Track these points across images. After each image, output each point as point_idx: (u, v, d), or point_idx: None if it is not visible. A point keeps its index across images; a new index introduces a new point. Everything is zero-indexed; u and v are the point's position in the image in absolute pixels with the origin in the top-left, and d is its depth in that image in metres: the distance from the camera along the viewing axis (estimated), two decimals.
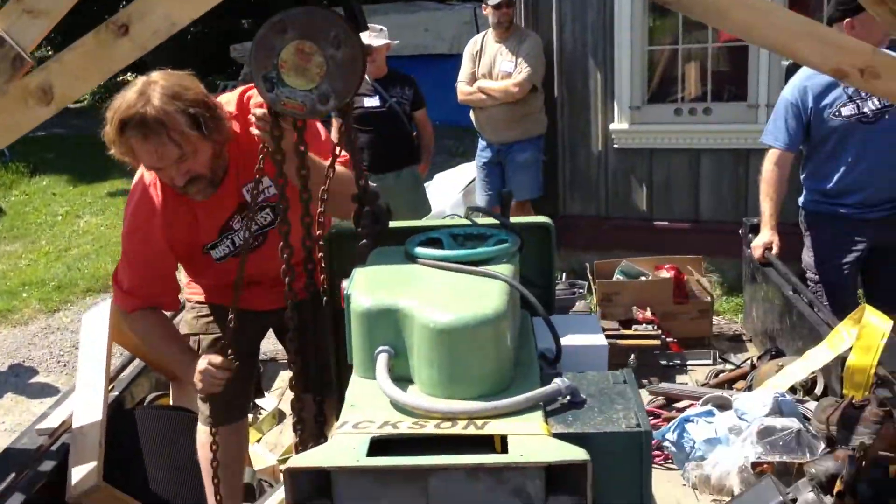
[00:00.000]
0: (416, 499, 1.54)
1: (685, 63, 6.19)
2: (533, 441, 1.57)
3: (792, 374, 3.31)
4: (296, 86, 2.06)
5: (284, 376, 4.51)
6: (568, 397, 1.75)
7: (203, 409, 2.88)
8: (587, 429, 1.66)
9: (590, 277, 4.94)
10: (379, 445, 1.56)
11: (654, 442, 3.64)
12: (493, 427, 1.61)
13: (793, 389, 3.46)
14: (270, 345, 4.54)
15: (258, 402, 4.12)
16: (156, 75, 2.50)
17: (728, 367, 4.22)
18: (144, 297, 2.75)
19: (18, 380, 5.88)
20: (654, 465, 3.55)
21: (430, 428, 1.61)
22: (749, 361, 4.08)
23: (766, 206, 4.13)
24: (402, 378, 1.75)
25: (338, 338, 2.25)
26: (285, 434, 3.90)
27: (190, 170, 2.50)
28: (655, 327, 4.36)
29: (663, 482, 3.45)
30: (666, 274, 4.68)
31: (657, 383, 3.99)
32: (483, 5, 6.25)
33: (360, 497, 1.54)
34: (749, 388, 3.75)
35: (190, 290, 3.01)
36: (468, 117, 6.40)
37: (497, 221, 2.21)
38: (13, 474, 2.66)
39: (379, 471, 1.52)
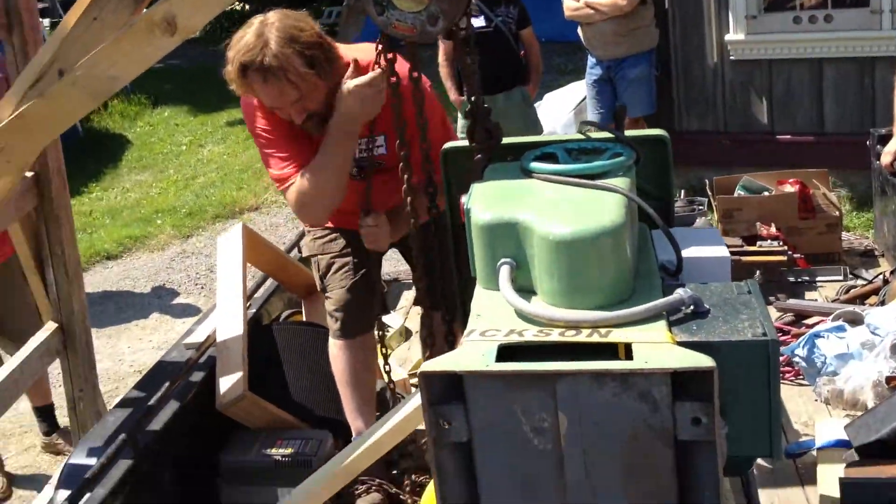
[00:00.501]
0: (544, 402, 1.59)
1: None
2: (657, 348, 1.60)
3: None
4: (405, 8, 2.09)
5: (408, 295, 4.66)
6: (691, 307, 1.76)
7: (332, 324, 3.04)
8: (711, 338, 1.67)
9: (709, 194, 4.89)
10: (507, 352, 1.61)
11: (783, 357, 3.65)
12: (617, 335, 1.65)
13: None
14: (393, 266, 4.71)
15: (385, 319, 4.28)
16: (272, 16, 2.61)
17: (859, 282, 4.15)
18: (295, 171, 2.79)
19: (161, 301, 6.26)
20: (784, 381, 3.57)
21: (554, 336, 1.66)
22: (881, 276, 4.00)
23: None
24: (524, 289, 1.79)
25: (459, 255, 2.33)
26: (413, 350, 4.05)
27: (307, 108, 2.63)
28: (781, 243, 4.30)
29: (794, 397, 3.46)
30: (790, 188, 4.60)
31: (785, 300, 3.95)
32: None
33: (491, 400, 1.60)
34: (882, 303, 3.69)
35: None
36: (576, 33, 6.31)
37: (611, 136, 2.22)
38: (167, 383, 2.89)
39: (508, 375, 1.58)
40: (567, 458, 1.64)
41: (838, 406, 3.23)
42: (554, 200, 1.90)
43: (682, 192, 5.51)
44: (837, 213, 4.54)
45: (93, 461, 2.57)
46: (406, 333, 4.31)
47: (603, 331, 1.67)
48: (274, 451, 2.97)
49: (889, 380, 3.03)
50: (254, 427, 3.09)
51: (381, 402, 3.26)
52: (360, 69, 2.58)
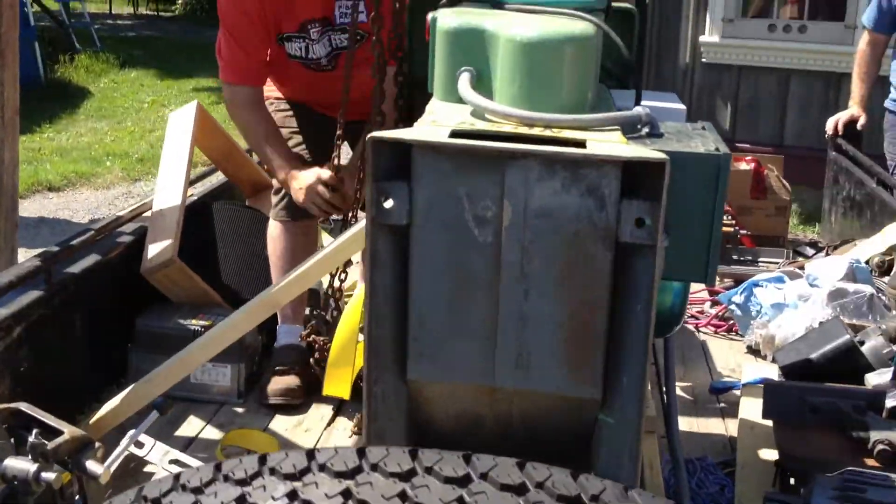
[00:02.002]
0: (490, 188, 1.54)
1: None
2: (611, 144, 1.57)
3: (870, 245, 3.25)
4: None
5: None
6: (647, 128, 1.75)
7: (277, 202, 2.93)
8: (665, 148, 1.64)
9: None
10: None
11: (719, 308, 3.62)
12: (570, 134, 1.62)
13: (867, 263, 3.39)
14: None
15: None
16: None
17: (800, 259, 4.15)
18: (243, 71, 2.79)
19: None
20: (716, 335, 3.56)
21: (507, 129, 1.62)
22: (824, 250, 4.01)
23: (855, 85, 4.18)
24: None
25: None
26: (351, 274, 3.94)
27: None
28: (730, 218, 4.30)
29: (724, 349, 3.43)
30: (745, 166, 4.60)
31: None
32: None
33: (437, 179, 1.54)
34: None
35: (268, 89, 3.02)
36: None
37: None
38: (91, 233, 2.75)
39: (459, 151, 1.52)
40: (505, 252, 1.57)
41: (768, 351, 3.19)
42: (524, 18, 1.86)
43: None
44: (787, 197, 4.55)
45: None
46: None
47: (556, 129, 1.62)
48: (193, 322, 2.85)
49: (821, 325, 3.00)
50: (176, 300, 2.97)
51: (313, 296, 3.14)
52: None
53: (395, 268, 1.61)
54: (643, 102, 1.99)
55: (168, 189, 3.06)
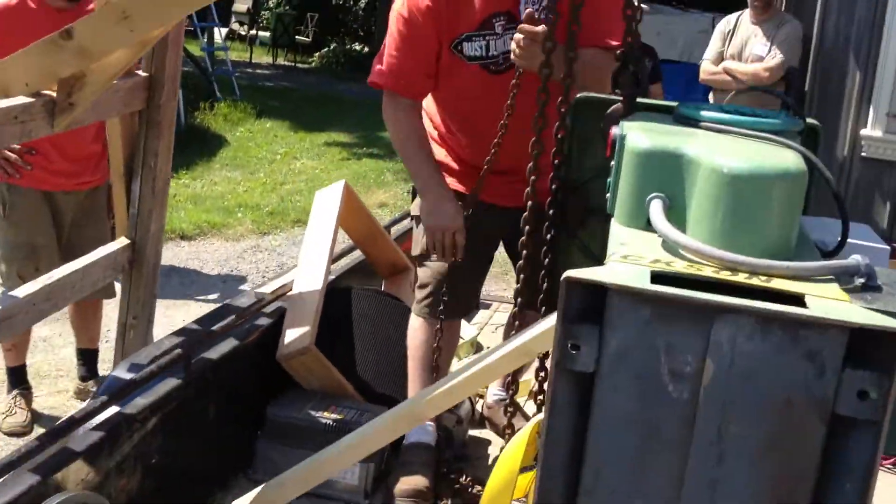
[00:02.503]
0: (694, 342, 1.35)
1: None
2: (835, 304, 1.35)
3: None
4: None
5: (483, 313, 4.42)
6: (864, 279, 1.53)
7: (422, 297, 2.79)
8: (891, 308, 1.43)
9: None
10: (656, 282, 1.38)
11: None
12: (783, 284, 1.41)
13: None
14: None
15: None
16: None
17: None
18: (408, 79, 2.64)
19: (226, 286, 6.10)
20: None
21: (707, 272, 1.44)
22: None
23: None
24: None
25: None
26: None
27: None
28: None
29: None
30: None
31: None
32: None
33: (635, 326, 1.36)
34: None
35: None
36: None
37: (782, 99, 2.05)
38: (232, 317, 2.67)
39: (663, 300, 1.34)
40: (702, 413, 1.37)
41: None
42: (724, 142, 1.67)
43: None
44: None
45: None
46: (477, 346, 4.05)
47: (764, 277, 1.43)
48: (325, 414, 2.72)
49: None
50: (309, 387, 2.85)
51: None
52: None
53: (575, 415, 1.43)
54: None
55: (309, 271, 2.97)
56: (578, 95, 2.25)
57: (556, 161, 2.25)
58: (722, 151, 1.57)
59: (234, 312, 2.75)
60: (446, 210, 2.60)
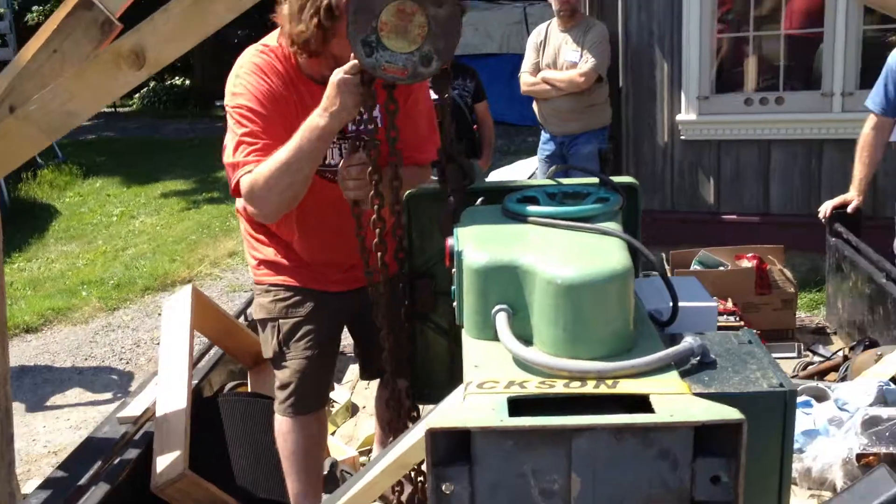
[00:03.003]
0: (557, 461, 1.44)
1: (755, 52, 6.04)
2: (677, 400, 1.47)
3: (893, 360, 3.16)
4: (396, 49, 1.99)
5: (354, 369, 4.42)
6: (699, 357, 1.67)
7: (283, 397, 2.78)
8: (727, 388, 1.59)
9: (666, 268, 4.80)
10: (513, 406, 1.48)
11: None
12: (627, 386, 1.52)
13: (893, 380, 3.31)
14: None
15: (331, 395, 4.04)
16: None
17: (816, 359, 4.06)
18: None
19: (82, 377, 5.86)
20: None
21: (559, 387, 1.53)
22: (841, 353, 3.92)
23: (857, 168, 4.20)
24: (520, 337, 1.66)
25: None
26: (360, 426, 3.81)
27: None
28: (738, 318, 4.21)
29: None
30: (748, 263, 4.53)
31: None
32: None
33: (500, 459, 1.44)
34: (843, 380, 3.59)
35: (262, 273, 2.86)
36: (517, 114, 6.31)
37: (595, 179, 2.16)
38: (98, 462, 2.59)
39: (523, 431, 1.42)
40: None
41: (804, 485, 3.09)
42: (552, 243, 1.77)
43: None
44: (793, 289, 4.48)
45: None
46: (353, 409, 4.06)
47: (610, 382, 1.54)
48: None
49: (859, 457, 2.91)
50: None
51: (331, 479, 3.00)
52: None
53: None
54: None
55: (171, 388, 2.91)
56: (410, 192, 2.31)
57: (400, 256, 2.31)
58: (553, 259, 1.66)
59: (100, 451, 2.67)
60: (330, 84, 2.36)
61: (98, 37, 2.09)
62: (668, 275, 1.99)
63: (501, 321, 1.68)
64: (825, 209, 4.36)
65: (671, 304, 1.91)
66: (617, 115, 6.24)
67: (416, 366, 2.44)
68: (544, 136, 6.23)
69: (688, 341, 1.66)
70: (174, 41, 2.02)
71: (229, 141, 2.51)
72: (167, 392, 2.92)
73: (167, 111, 17.21)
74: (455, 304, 1.85)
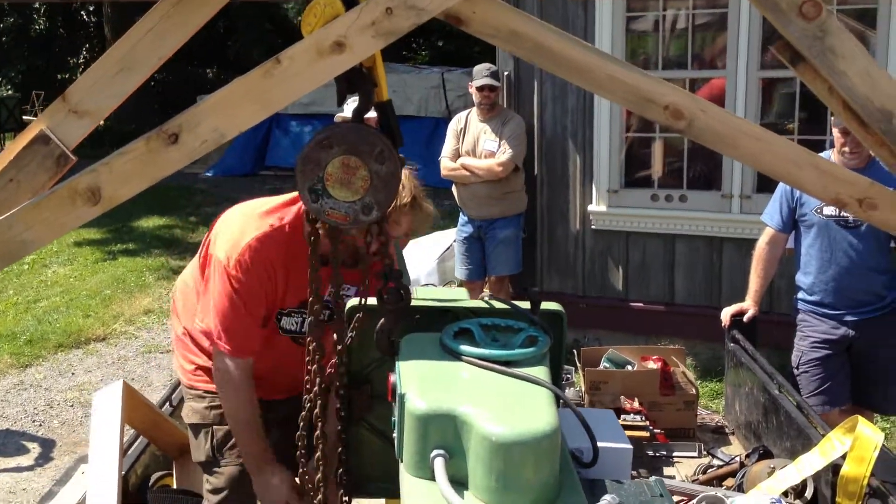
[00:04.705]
0: None
1: (662, 151, 6.43)
2: None
3: (784, 479, 3.43)
4: (340, 197, 2.16)
5: None
6: None
7: (213, 501, 2.88)
8: None
9: (577, 364, 5.04)
10: None
11: None
12: None
13: (784, 493, 3.57)
14: None
15: None
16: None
17: (715, 462, 4.33)
18: (246, 340, 2.76)
19: None
20: None
21: None
22: (738, 459, 4.19)
23: (752, 280, 4.45)
24: (455, 479, 1.81)
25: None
26: None
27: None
28: (643, 418, 4.46)
29: None
30: (653, 365, 4.79)
31: (647, 476, 4.07)
32: (469, 84, 6.43)
33: None
34: (739, 487, 3.84)
35: (199, 378, 3.00)
36: (435, 180, 6.52)
37: (510, 308, 2.34)
38: None
39: None
40: None
41: None
42: (487, 391, 1.94)
43: None
44: (694, 391, 4.77)
45: None
46: None
47: None
48: None
49: None
50: None
51: None
52: None
53: None
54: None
55: (101, 485, 2.98)
56: (349, 305, 2.46)
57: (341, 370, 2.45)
58: (488, 412, 1.83)
59: None
60: (276, 486, 2.79)
61: (54, 168, 2.19)
62: (584, 403, 2.19)
63: (439, 468, 1.82)
64: (725, 316, 4.66)
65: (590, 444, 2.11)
66: (532, 202, 6.54)
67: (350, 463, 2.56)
68: (462, 218, 6.49)
69: (606, 500, 1.86)
70: (129, 182, 2.13)
71: (217, 297, 2.74)
72: (98, 488, 2.99)
73: (83, 151, 16.87)
74: (395, 436, 2.00)
